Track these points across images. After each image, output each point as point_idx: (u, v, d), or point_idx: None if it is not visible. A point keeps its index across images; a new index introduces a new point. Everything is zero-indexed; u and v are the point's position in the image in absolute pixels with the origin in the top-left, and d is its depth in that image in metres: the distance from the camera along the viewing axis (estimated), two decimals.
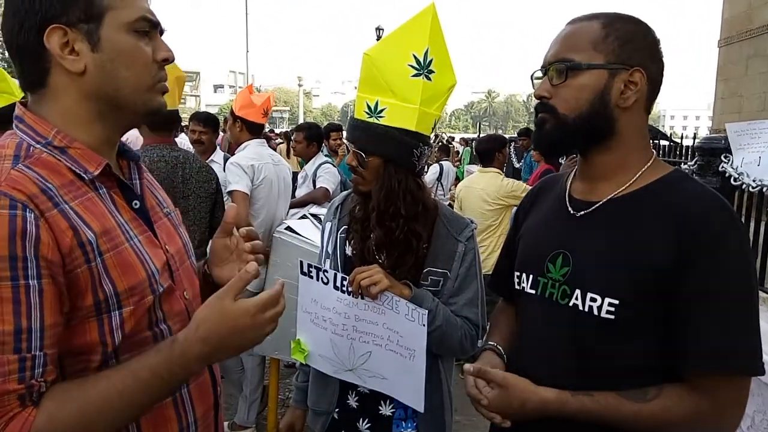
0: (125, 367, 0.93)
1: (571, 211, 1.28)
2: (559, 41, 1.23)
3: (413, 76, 1.55)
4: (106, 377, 0.92)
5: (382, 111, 1.58)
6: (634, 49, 1.17)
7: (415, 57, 1.54)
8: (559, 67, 1.19)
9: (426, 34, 1.53)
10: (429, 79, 1.55)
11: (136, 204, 1.08)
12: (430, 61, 1.54)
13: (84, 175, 0.98)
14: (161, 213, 1.16)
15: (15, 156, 0.93)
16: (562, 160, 5.58)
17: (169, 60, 1.06)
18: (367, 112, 1.60)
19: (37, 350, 0.85)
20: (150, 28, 1.03)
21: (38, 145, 0.96)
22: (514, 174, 10.76)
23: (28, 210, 0.85)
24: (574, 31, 1.22)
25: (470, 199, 4.39)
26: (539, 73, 1.27)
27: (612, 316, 1.15)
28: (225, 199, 3.43)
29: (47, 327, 0.86)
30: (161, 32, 1.07)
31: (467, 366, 1.27)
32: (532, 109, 1.36)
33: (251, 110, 3.56)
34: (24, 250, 0.84)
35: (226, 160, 4.19)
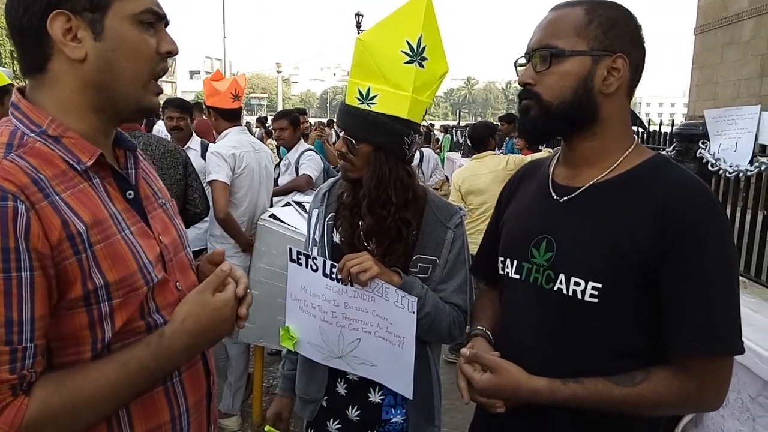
0: (115, 359, 0.95)
1: (555, 197, 1.29)
2: (542, 28, 1.23)
3: (406, 62, 1.53)
4: (97, 368, 0.93)
5: (374, 98, 1.56)
6: (616, 35, 1.18)
7: (409, 43, 1.51)
8: (542, 53, 1.20)
9: (420, 21, 1.51)
10: (422, 66, 1.54)
11: (130, 194, 1.07)
12: (424, 48, 1.52)
13: (77, 166, 0.97)
14: (156, 203, 1.16)
15: (8, 144, 0.92)
16: (542, 148, 5.63)
17: (173, 53, 1.05)
18: (358, 99, 1.58)
19: (27, 342, 0.85)
20: (155, 20, 1.02)
21: (32, 134, 0.95)
22: None
23: (19, 201, 0.85)
24: (558, 18, 1.22)
25: (481, 185, 4.35)
26: (523, 60, 1.27)
27: (596, 300, 1.16)
28: (206, 187, 3.40)
29: (37, 318, 0.86)
30: (166, 24, 1.06)
31: (464, 350, 1.28)
32: (511, 96, 1.37)
33: (218, 97, 3.49)
34: (16, 241, 0.83)
35: (203, 146, 4.16)
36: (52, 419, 0.88)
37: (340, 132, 1.64)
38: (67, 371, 0.92)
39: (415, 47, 1.52)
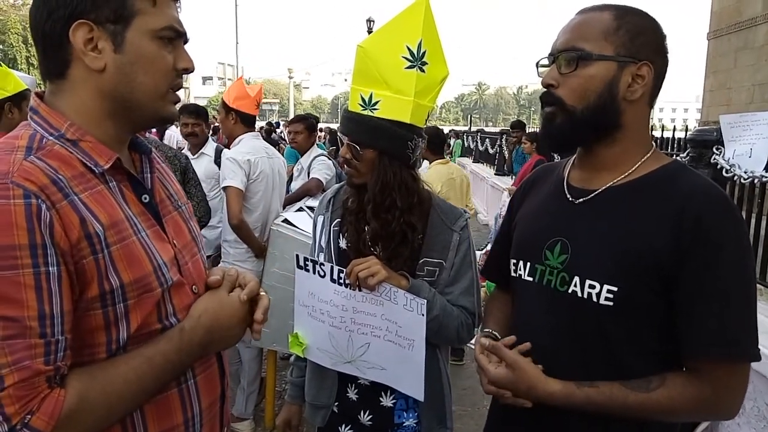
0: (141, 353, 0.98)
1: (570, 199, 1.29)
2: (569, 30, 1.22)
3: (407, 68, 1.55)
4: (125, 362, 0.96)
5: (376, 103, 1.58)
6: (643, 43, 1.18)
7: (409, 49, 1.54)
8: (569, 55, 1.19)
9: (420, 26, 1.53)
10: (423, 71, 1.55)
11: (145, 198, 1.09)
12: (424, 53, 1.54)
13: (94, 168, 0.99)
14: (171, 207, 1.17)
15: (28, 147, 0.94)
16: (556, 156, 5.62)
17: (189, 70, 1.08)
18: (361, 105, 1.59)
19: (59, 335, 0.88)
20: (175, 36, 1.05)
21: (51, 137, 0.98)
22: (505, 166, 10.81)
23: (40, 200, 0.87)
24: (586, 21, 1.21)
25: None
26: (545, 61, 1.27)
27: (611, 303, 1.16)
28: (210, 191, 3.43)
29: (66, 312, 0.89)
30: (185, 41, 1.08)
31: (483, 340, 1.29)
32: (522, 102, 1.37)
33: (246, 101, 3.53)
34: (42, 237, 0.86)
35: (217, 151, 4.19)
36: (89, 411, 0.90)
37: (344, 138, 1.65)
38: (96, 365, 0.95)
39: (415, 52, 1.54)
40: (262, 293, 1.16)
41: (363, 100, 1.59)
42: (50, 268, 0.86)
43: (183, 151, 4.18)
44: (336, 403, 1.76)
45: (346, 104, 1.68)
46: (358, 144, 1.61)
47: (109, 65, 0.99)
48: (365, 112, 1.59)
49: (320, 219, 1.81)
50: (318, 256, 1.77)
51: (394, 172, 1.61)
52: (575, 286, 1.21)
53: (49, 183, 0.90)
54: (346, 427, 1.75)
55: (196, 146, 4.10)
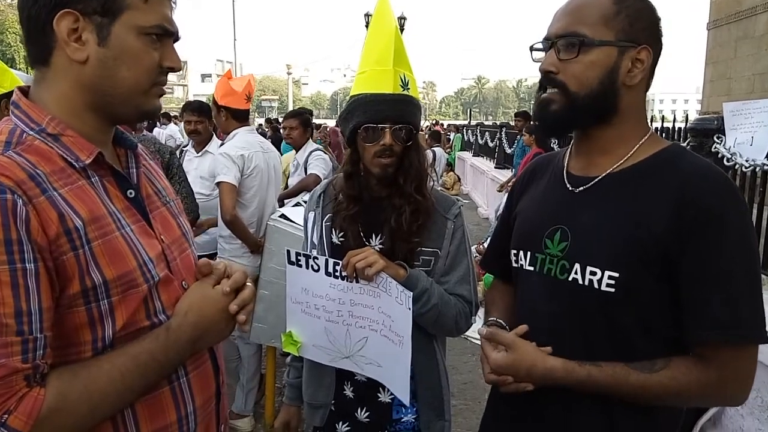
0: (126, 352, 0.96)
1: (570, 188, 1.28)
2: (567, 13, 1.20)
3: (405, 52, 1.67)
4: (108, 360, 0.94)
5: (408, 83, 1.64)
6: (642, 27, 1.17)
7: (397, 34, 1.67)
8: (570, 41, 1.17)
9: (394, 18, 1.71)
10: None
11: (131, 193, 1.07)
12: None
13: (75, 164, 0.97)
14: (159, 202, 1.15)
15: (6, 142, 0.93)
16: (554, 145, 5.59)
17: (175, 69, 1.05)
18: (401, 86, 1.63)
19: (37, 332, 0.86)
20: (164, 34, 1.02)
21: (31, 132, 0.96)
22: (505, 159, 10.79)
23: (16, 195, 0.85)
24: (585, 4, 1.19)
25: None
26: (539, 45, 1.25)
27: (612, 289, 1.15)
28: (213, 189, 3.38)
29: (45, 309, 0.87)
30: (176, 40, 1.06)
31: (481, 329, 1.28)
32: (522, 95, 1.34)
33: (233, 97, 3.50)
34: (18, 233, 0.84)
35: None
36: (69, 410, 0.88)
37: (388, 124, 1.59)
38: (80, 364, 0.93)
39: (401, 38, 1.67)
40: (248, 284, 1.13)
41: (402, 81, 1.63)
42: (27, 265, 0.84)
43: (187, 149, 4.14)
44: (332, 402, 1.74)
45: (363, 92, 1.65)
46: (412, 125, 1.63)
47: (91, 58, 0.96)
48: (405, 92, 1.63)
49: (311, 215, 1.79)
50: (310, 253, 1.74)
51: (422, 147, 1.67)
52: (576, 273, 1.20)
53: (26, 178, 0.88)
54: (343, 424, 1.73)
55: (200, 144, 4.06)
